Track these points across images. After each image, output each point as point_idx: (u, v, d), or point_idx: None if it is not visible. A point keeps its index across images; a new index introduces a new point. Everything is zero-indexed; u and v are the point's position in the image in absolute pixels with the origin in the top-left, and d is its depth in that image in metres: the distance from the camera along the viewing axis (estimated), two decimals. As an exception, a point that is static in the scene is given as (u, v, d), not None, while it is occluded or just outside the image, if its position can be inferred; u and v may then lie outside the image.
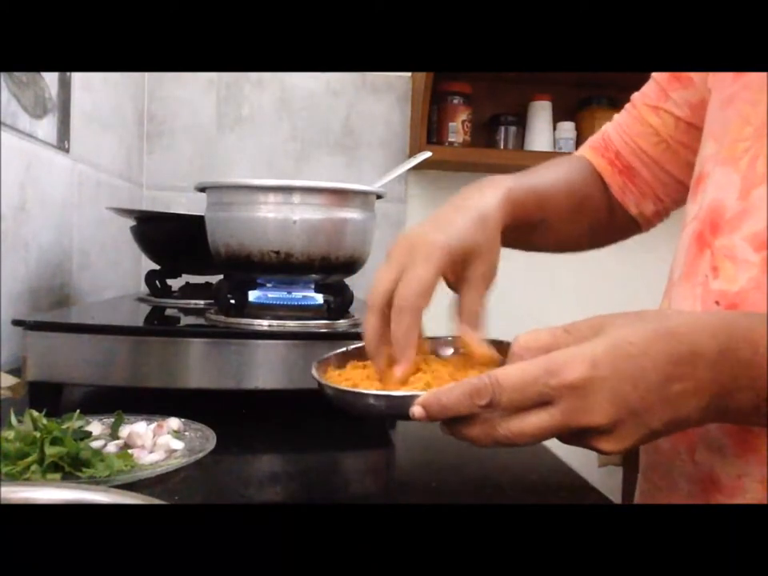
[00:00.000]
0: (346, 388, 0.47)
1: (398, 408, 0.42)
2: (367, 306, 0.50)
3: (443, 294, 0.51)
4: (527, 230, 0.61)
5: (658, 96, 0.66)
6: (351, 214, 0.83)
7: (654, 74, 0.67)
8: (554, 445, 0.54)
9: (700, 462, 0.50)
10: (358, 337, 0.52)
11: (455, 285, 0.52)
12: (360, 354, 0.53)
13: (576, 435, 0.39)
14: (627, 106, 0.70)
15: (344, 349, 0.55)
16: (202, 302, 1.02)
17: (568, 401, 0.37)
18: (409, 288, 0.47)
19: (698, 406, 0.39)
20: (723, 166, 0.52)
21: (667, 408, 0.38)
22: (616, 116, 0.71)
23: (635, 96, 0.69)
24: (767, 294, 0.46)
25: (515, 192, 0.57)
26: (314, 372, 0.50)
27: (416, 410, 0.40)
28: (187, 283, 1.15)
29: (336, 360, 0.53)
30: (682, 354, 0.38)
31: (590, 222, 0.69)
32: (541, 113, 1.72)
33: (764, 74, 0.50)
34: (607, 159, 0.69)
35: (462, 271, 0.51)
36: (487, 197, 0.54)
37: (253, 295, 0.88)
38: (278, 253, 0.80)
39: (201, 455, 0.57)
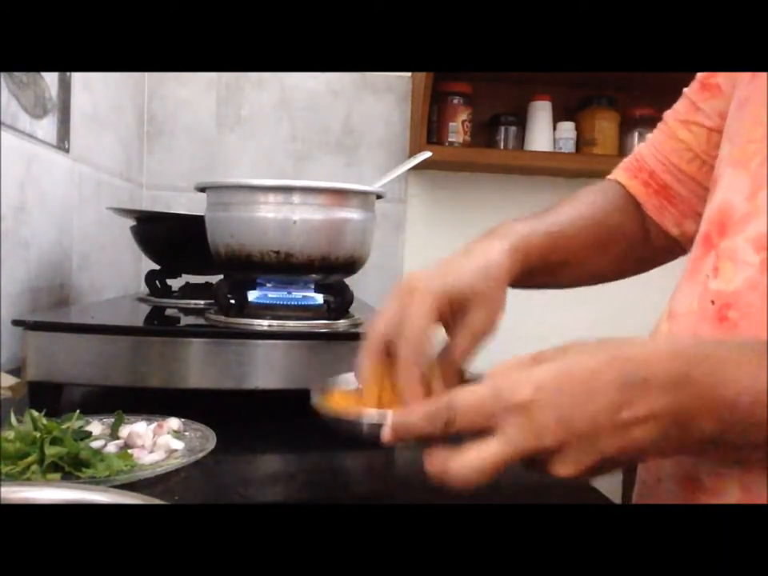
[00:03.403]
0: (333, 414, 0.47)
1: (371, 434, 0.42)
2: (364, 346, 0.50)
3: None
4: (546, 272, 0.60)
5: (688, 109, 0.64)
6: (351, 214, 0.83)
7: (685, 90, 0.65)
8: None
9: (683, 461, 0.50)
10: (357, 337, 0.52)
11: (452, 331, 0.52)
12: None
13: (531, 460, 0.39)
14: (659, 124, 0.68)
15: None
16: (202, 302, 1.02)
17: (515, 422, 0.38)
18: (408, 341, 0.48)
19: (653, 433, 0.38)
20: (734, 168, 0.52)
21: (618, 434, 0.38)
22: (649, 135, 0.69)
23: (667, 113, 0.67)
24: (765, 294, 0.46)
25: (528, 240, 0.57)
26: (314, 397, 0.49)
27: (386, 431, 0.41)
28: (187, 283, 1.15)
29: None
30: (634, 380, 0.38)
31: (621, 251, 0.67)
32: (541, 113, 1.72)
33: None
34: (641, 180, 0.67)
35: (461, 318, 0.52)
36: (494, 246, 0.55)
37: (253, 295, 0.88)
38: (278, 253, 0.80)
39: (201, 455, 0.57)
